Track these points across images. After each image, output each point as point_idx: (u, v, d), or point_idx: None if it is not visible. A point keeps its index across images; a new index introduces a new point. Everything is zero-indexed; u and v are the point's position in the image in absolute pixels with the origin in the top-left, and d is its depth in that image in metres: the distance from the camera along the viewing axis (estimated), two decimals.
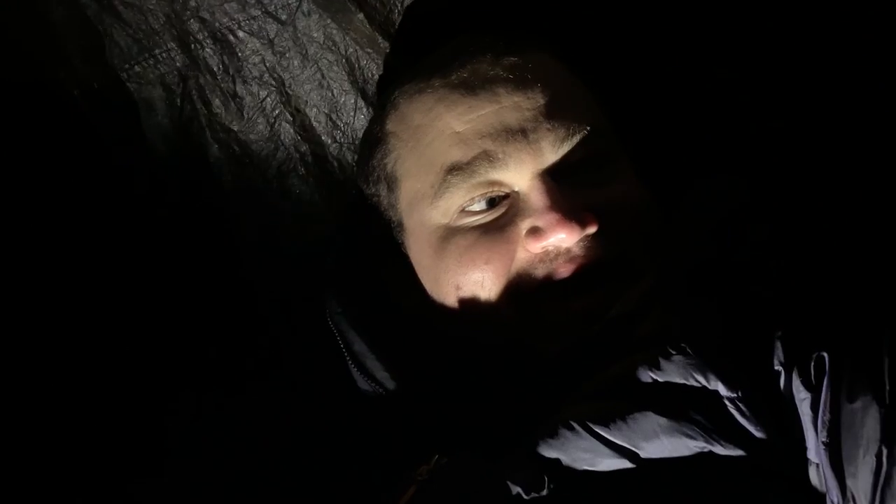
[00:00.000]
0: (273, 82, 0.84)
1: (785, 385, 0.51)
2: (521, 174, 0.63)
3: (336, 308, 0.69)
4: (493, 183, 0.63)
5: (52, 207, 0.84)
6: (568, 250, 0.61)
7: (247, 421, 0.71)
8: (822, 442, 0.49)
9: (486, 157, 0.63)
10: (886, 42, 0.74)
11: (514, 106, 0.64)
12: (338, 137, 0.84)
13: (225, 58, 0.83)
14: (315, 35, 0.82)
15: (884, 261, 0.63)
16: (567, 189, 0.62)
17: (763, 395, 0.51)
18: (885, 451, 0.46)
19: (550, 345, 0.60)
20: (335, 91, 0.83)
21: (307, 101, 0.84)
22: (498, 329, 0.63)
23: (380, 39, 0.81)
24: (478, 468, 0.56)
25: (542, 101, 0.64)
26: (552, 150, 0.63)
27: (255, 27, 0.82)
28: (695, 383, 0.52)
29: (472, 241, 0.63)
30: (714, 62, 0.77)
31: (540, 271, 0.62)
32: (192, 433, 0.74)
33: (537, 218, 0.61)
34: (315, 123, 0.84)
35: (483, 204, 0.64)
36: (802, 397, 0.50)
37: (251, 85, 0.84)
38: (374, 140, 0.72)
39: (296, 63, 0.83)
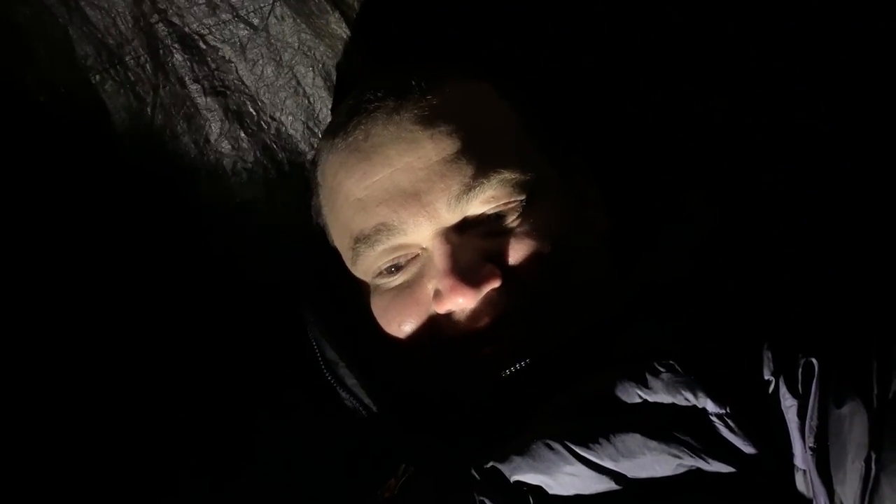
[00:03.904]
0: (247, 90, 0.82)
1: (772, 394, 0.51)
2: (421, 236, 0.63)
3: (310, 318, 0.70)
4: (397, 248, 0.64)
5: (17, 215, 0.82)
6: (472, 310, 0.61)
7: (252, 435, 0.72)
8: (810, 448, 0.49)
9: (385, 227, 0.63)
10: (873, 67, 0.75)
11: (406, 167, 0.63)
12: (315, 145, 0.82)
13: (195, 66, 0.82)
14: (289, 41, 0.81)
15: (870, 267, 0.63)
16: (470, 244, 0.62)
17: (751, 408, 0.51)
18: (873, 457, 0.46)
19: (469, 389, 0.61)
20: (311, 98, 0.82)
21: (282, 109, 0.82)
22: (430, 371, 0.64)
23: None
24: (446, 480, 0.56)
25: (435, 159, 0.62)
26: (448, 209, 0.62)
27: (226, 33, 0.81)
28: (683, 402, 0.52)
29: (386, 302, 0.65)
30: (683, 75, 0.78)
31: (453, 325, 0.62)
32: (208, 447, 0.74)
33: (438, 281, 0.61)
34: (291, 131, 0.83)
35: (393, 267, 0.65)
36: (789, 404, 0.51)
37: (223, 93, 0.82)
38: (312, 182, 0.73)
39: (269, 70, 0.82)
